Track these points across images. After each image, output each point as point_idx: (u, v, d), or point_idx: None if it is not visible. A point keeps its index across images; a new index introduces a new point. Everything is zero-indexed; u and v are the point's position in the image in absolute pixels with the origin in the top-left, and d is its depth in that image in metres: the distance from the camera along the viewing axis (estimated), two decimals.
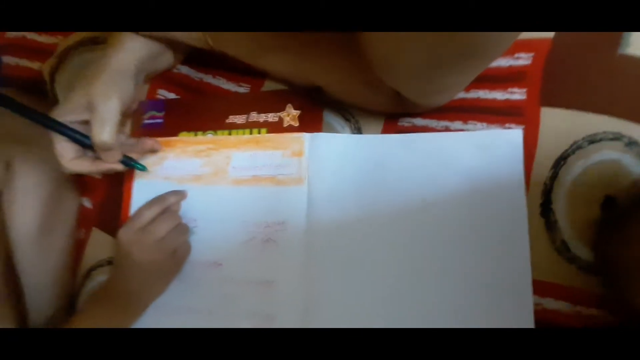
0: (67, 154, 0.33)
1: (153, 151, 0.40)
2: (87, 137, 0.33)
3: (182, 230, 0.38)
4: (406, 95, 0.32)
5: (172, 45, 0.39)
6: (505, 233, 0.32)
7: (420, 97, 0.33)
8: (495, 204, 0.33)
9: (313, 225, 0.36)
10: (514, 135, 0.34)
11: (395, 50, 0.26)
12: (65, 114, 0.33)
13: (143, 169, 0.38)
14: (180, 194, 0.39)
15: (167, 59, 0.40)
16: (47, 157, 0.41)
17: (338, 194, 0.36)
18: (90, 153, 0.35)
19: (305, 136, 0.37)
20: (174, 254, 0.36)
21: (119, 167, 0.35)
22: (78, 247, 0.44)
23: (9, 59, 0.49)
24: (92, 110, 0.32)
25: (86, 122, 0.33)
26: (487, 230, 0.33)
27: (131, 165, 0.37)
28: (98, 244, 0.43)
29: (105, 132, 0.32)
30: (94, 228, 0.43)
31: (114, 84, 0.33)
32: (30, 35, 0.49)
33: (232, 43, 0.35)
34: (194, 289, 0.37)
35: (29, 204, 0.40)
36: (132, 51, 0.35)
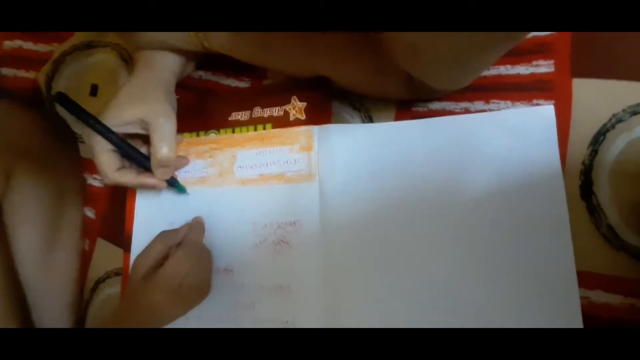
0: (113, 164, 0.33)
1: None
2: (139, 152, 0.34)
3: (206, 258, 0.34)
4: (429, 83, 0.29)
5: (192, 54, 0.37)
6: (543, 220, 0.29)
7: (446, 83, 0.30)
8: (530, 188, 0.29)
9: (328, 223, 0.33)
10: (545, 112, 0.30)
11: (430, 40, 0.23)
12: (117, 126, 0.32)
13: (184, 191, 0.37)
14: (199, 227, 0.36)
15: (190, 67, 0.39)
16: (47, 168, 0.40)
17: (353, 189, 0.33)
18: (127, 164, 0.35)
19: (314, 129, 0.35)
20: (198, 288, 0.34)
21: (163, 185, 0.35)
22: (84, 259, 0.42)
23: (7, 71, 0.48)
24: (151, 128, 0.32)
25: (130, 137, 0.34)
26: (523, 218, 0.29)
27: (174, 186, 0.36)
28: (104, 255, 0.41)
29: (168, 148, 0.32)
30: (98, 239, 0.42)
31: (169, 102, 0.34)
32: (27, 45, 0.48)
33: (231, 43, 0.33)
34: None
35: (31, 215, 0.39)
36: (169, 67, 0.35)
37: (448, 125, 0.32)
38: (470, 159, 0.31)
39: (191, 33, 0.33)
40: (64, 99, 0.32)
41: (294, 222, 0.33)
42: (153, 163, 0.33)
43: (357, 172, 0.33)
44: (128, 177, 0.33)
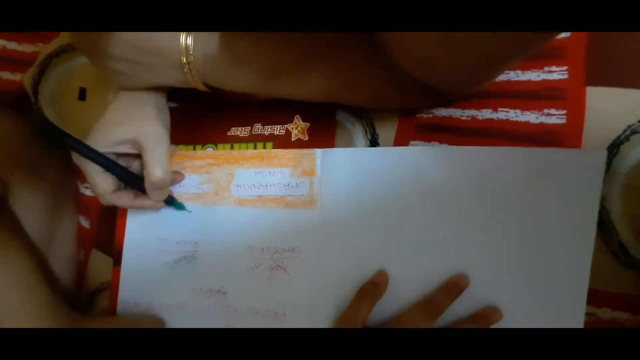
0: (109, 186, 0.32)
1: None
2: (133, 174, 0.33)
3: None
4: (445, 89, 0.28)
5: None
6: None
7: (464, 88, 0.29)
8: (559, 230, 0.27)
9: (328, 253, 0.31)
10: (594, 157, 0.27)
11: (442, 51, 0.22)
12: (106, 147, 0.31)
13: (183, 208, 0.35)
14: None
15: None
16: (41, 176, 0.39)
17: (356, 218, 0.31)
18: (123, 185, 0.34)
19: (317, 152, 0.33)
20: None
21: (161, 205, 0.34)
22: (79, 270, 0.41)
23: None
24: (143, 150, 0.31)
25: (121, 155, 0.33)
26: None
27: (173, 205, 0.35)
28: (99, 266, 0.40)
29: (162, 170, 0.31)
30: (93, 249, 0.41)
31: (162, 122, 0.32)
32: (11, 45, 0.46)
33: (233, 78, 0.30)
34: (196, 319, 0.34)
35: (27, 224, 0.38)
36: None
37: (468, 158, 0.29)
38: (491, 194, 0.28)
39: (185, 72, 0.29)
40: (48, 130, 0.30)
41: (293, 249, 0.32)
42: (147, 185, 0.32)
43: (361, 201, 0.31)
44: (125, 199, 0.32)
